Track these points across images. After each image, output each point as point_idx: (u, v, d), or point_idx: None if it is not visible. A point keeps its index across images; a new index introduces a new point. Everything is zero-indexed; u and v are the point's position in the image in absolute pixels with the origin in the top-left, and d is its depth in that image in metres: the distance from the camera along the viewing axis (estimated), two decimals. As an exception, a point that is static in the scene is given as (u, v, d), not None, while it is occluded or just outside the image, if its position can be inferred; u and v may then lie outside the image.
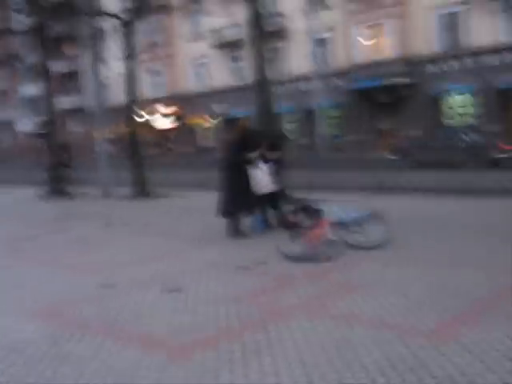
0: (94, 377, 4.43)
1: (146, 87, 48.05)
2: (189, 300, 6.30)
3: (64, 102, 55.48)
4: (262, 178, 10.06)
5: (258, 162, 10.09)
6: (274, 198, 10.55)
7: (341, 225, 8.59)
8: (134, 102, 19.11)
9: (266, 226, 10.62)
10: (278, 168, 10.65)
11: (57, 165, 20.73)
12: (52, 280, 7.66)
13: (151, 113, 46.54)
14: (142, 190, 18.31)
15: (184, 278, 7.28)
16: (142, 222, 12.59)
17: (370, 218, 10.27)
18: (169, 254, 8.84)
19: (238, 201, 9.78)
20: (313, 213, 10.30)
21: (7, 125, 63.82)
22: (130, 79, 18.84)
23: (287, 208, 10.41)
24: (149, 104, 45.73)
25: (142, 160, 18.75)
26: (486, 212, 11.35)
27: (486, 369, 4.14)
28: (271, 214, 10.79)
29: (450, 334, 4.82)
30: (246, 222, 10.22)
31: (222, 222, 10.12)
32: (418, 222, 10.41)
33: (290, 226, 10.33)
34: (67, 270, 8.26)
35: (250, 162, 9.94)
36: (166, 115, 46.95)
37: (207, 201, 10.09)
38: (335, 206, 9.50)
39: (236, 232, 9.86)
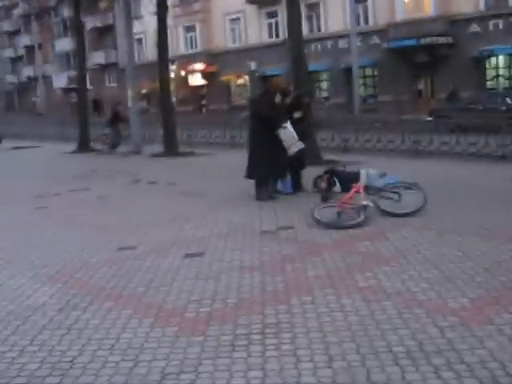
0: (99, 347, 4.18)
1: (181, 43, 47.58)
2: (212, 266, 6.00)
3: (100, 57, 55.51)
4: (288, 136, 9.59)
5: (284, 122, 9.62)
6: (301, 158, 10.15)
7: (375, 190, 8.19)
8: (166, 58, 18.70)
9: (296, 188, 10.25)
10: (303, 128, 10.23)
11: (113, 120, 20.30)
12: (70, 240, 7.42)
13: (185, 69, 46.05)
14: (172, 148, 18.06)
15: (208, 241, 6.98)
16: (170, 180, 12.31)
17: (406, 184, 9.87)
18: (194, 216, 8.55)
19: (267, 162, 9.39)
20: (347, 176, 9.94)
21: (43, 80, 64.06)
22: (162, 33, 18.40)
23: (320, 171, 10.04)
24: (183, 60, 45.26)
25: (173, 117, 18.43)
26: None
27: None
28: (300, 175, 10.42)
29: (483, 314, 4.43)
30: (276, 184, 9.86)
31: (251, 184, 9.77)
32: (454, 188, 9.93)
33: (323, 190, 10.00)
34: (87, 229, 8.04)
35: (277, 121, 9.51)
36: (199, 71, 46.37)
37: (238, 160, 9.76)
38: (371, 170, 9.11)
39: (264, 195, 9.50)
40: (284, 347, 4.03)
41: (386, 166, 11.50)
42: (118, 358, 4.01)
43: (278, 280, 5.47)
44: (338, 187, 9.90)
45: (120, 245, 7.03)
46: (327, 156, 14.32)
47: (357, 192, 7.95)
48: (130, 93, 19.70)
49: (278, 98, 9.62)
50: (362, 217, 7.47)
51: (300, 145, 9.70)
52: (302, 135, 10.15)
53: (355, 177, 9.82)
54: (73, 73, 47.01)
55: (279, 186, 10.00)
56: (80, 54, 22.01)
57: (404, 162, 13.81)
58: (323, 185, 10.03)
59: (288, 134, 9.52)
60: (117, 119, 19.86)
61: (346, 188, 9.50)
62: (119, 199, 10.36)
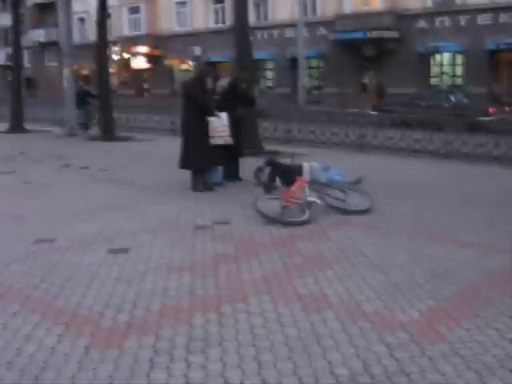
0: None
1: (125, 24, 46.21)
2: (137, 265, 5.39)
3: (40, 34, 53.33)
4: (216, 125, 9.02)
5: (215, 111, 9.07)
6: (238, 145, 9.65)
7: (320, 186, 7.73)
8: (105, 39, 17.80)
9: (233, 178, 9.72)
10: (240, 114, 9.76)
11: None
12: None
13: (129, 51, 44.77)
14: (109, 132, 17.24)
15: (136, 236, 6.36)
16: (102, 166, 11.56)
17: (351, 181, 9.46)
18: (123, 206, 7.89)
19: (203, 151, 8.81)
20: (289, 169, 9.46)
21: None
22: (102, 13, 17.54)
23: (261, 163, 9.53)
24: (126, 42, 43.99)
25: (110, 100, 17.58)
26: (470, 178, 10.61)
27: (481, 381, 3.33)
28: (238, 164, 9.90)
29: (434, 329, 3.99)
30: (213, 174, 9.28)
31: (188, 173, 9.17)
32: (400, 186, 9.59)
33: (264, 181, 9.51)
34: (2, 219, 7.29)
35: (209, 108, 8.95)
36: (143, 55, 45.15)
37: (178, 147, 9.11)
38: (315, 163, 8.65)
39: (200, 186, 8.92)
40: (210, 366, 3.49)
41: (329, 160, 11.07)
42: (16, 375, 3.40)
43: (210, 283, 4.93)
44: (280, 180, 9.46)
45: (37, 237, 6.33)
46: (269, 146, 13.83)
47: (301, 186, 7.45)
48: (65, 72, 18.70)
49: (209, 84, 9.09)
50: (307, 214, 6.98)
51: (227, 140, 9.14)
52: (239, 122, 9.68)
53: (298, 170, 9.38)
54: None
55: (213, 175, 9.38)
56: (15, 30, 20.83)
57: (348, 155, 13.45)
58: (264, 176, 9.54)
59: (218, 122, 8.98)
60: (84, 99, 18.85)
61: (286, 181, 9.05)
62: (45, 185, 9.56)
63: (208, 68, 9.82)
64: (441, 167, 11.99)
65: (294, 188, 7.38)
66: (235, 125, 9.50)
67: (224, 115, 9.04)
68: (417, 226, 6.84)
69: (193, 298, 4.62)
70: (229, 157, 9.47)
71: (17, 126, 19.78)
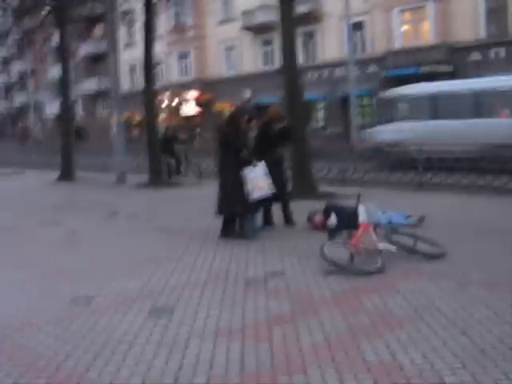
0: None
1: (174, 71, 46.74)
2: (181, 328, 4.79)
3: (92, 84, 54.57)
4: (254, 178, 8.34)
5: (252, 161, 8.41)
6: (283, 187, 9.18)
7: (386, 230, 7.02)
8: (152, 85, 17.64)
9: (269, 225, 9.15)
10: (277, 167, 9.14)
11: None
12: (17, 288, 6.24)
13: (178, 97, 45.13)
14: (158, 178, 16.92)
15: (181, 293, 5.76)
16: (150, 214, 11.12)
17: (414, 220, 8.73)
18: (169, 258, 7.31)
19: (234, 199, 8.24)
20: (345, 212, 8.79)
21: (37, 107, 63.16)
22: (148, 62, 17.45)
23: (315, 205, 8.92)
24: (176, 88, 44.36)
25: (158, 146, 17.32)
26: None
27: None
28: (288, 207, 9.30)
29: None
30: (246, 223, 8.56)
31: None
32: (466, 226, 8.74)
33: (319, 225, 8.87)
34: (41, 274, 6.81)
35: (244, 160, 8.35)
36: (193, 100, 45.42)
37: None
38: (371, 205, 7.95)
39: (232, 233, 8.37)
40: None
41: (387, 199, 10.41)
42: None
43: (263, 350, 4.26)
44: (333, 222, 8.80)
45: (75, 294, 5.81)
46: (324, 188, 13.14)
47: (365, 231, 6.75)
48: (114, 119, 18.59)
49: (243, 124, 8.54)
50: (380, 262, 6.28)
51: (268, 192, 8.48)
52: (279, 163, 9.20)
53: (353, 213, 8.71)
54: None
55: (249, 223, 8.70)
56: (65, 81, 20.98)
57: (406, 194, 12.60)
58: (319, 219, 8.89)
59: (254, 174, 8.34)
60: (169, 145, 18.69)
61: (342, 225, 8.40)
62: (89, 236, 9.12)
63: (242, 107, 9.21)
64: (502, 204, 11.06)
65: (358, 233, 6.68)
66: (276, 167, 8.97)
67: (261, 164, 8.46)
68: (496, 275, 6.02)
69: (244, 369, 3.97)
70: (269, 200, 8.95)
71: (67, 174, 19.72)
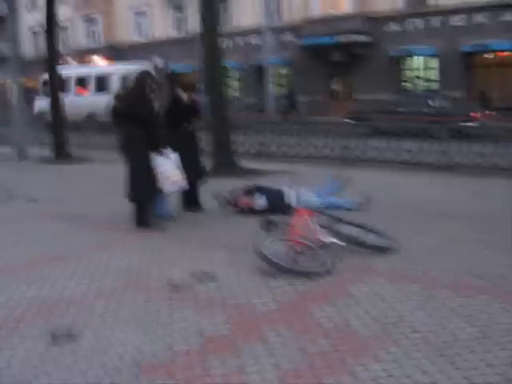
0: None
1: (82, 36, 44.26)
2: (89, 367, 3.68)
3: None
4: (166, 172, 7.27)
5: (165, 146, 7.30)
6: (195, 165, 8.12)
7: (327, 218, 6.09)
8: (54, 51, 15.96)
9: (193, 207, 8.14)
10: (190, 143, 8.11)
11: None
12: None
13: (84, 62, 42.71)
14: (62, 153, 15.38)
15: (87, 308, 4.63)
16: (52, 197, 9.74)
17: (358, 202, 7.88)
18: (69, 255, 6.06)
19: (143, 182, 7.10)
20: (277, 196, 7.87)
21: None
22: (50, 26, 15.76)
23: (236, 184, 7.96)
24: (83, 54, 41.94)
25: (61, 115, 15.72)
26: (483, 194, 9.12)
27: None
28: (197, 189, 8.27)
29: None
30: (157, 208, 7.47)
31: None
32: (410, 207, 8.05)
33: (243, 210, 7.93)
34: None
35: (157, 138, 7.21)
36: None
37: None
38: (302, 189, 7.06)
39: (147, 222, 7.20)
40: None
41: (315, 176, 9.50)
42: None
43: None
44: (262, 204, 7.87)
45: None
46: (243, 163, 12.13)
47: (301, 218, 5.77)
48: (13, 88, 16.74)
49: (151, 93, 7.17)
50: (328, 261, 5.33)
51: (182, 185, 7.49)
52: (192, 139, 8.16)
53: (281, 195, 7.80)
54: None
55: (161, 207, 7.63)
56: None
57: (334, 171, 11.76)
58: (242, 201, 7.93)
59: (166, 167, 7.24)
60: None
61: (274, 207, 7.50)
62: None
63: (147, 76, 7.66)
64: (444, 182, 10.49)
65: (293, 222, 5.70)
66: (188, 143, 7.96)
67: (173, 156, 7.37)
68: (462, 273, 5.22)
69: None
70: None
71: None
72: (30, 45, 44.76)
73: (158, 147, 7.12)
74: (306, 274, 5.16)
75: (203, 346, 3.86)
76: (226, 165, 11.69)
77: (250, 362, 3.63)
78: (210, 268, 5.51)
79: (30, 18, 42.20)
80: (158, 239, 6.64)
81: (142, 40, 40.33)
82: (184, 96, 7.96)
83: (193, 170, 7.91)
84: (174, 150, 7.45)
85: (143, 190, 7.07)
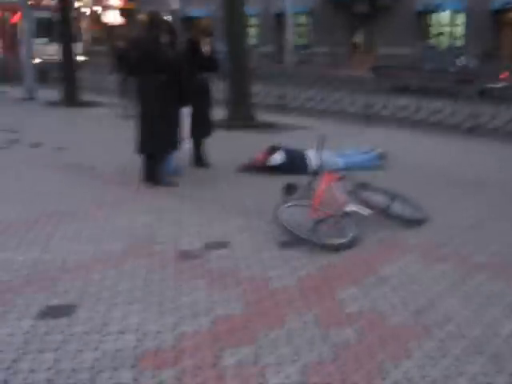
0: None
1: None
2: (84, 349, 3.26)
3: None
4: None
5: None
6: (204, 121, 7.58)
7: (356, 185, 5.58)
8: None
9: (197, 164, 7.66)
10: (203, 95, 7.55)
11: None
12: None
13: (100, 4, 41.71)
14: (72, 96, 14.82)
15: (87, 276, 4.19)
16: (59, 141, 9.25)
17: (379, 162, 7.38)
18: (74, 213, 5.63)
19: (159, 134, 6.57)
20: (296, 155, 7.39)
21: None
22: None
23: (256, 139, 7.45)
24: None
25: (72, 57, 15.08)
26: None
27: None
28: (201, 145, 7.77)
29: None
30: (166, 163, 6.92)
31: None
32: (436, 172, 7.49)
33: (257, 168, 7.46)
34: None
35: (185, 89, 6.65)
36: (116, 8, 42.10)
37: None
38: (330, 153, 6.59)
39: (158, 178, 6.71)
40: None
41: (337, 134, 9.01)
42: None
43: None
44: (279, 159, 7.38)
45: None
46: (262, 116, 11.57)
47: (329, 184, 5.28)
48: (23, 24, 16.07)
49: (165, 38, 6.55)
50: (352, 232, 4.85)
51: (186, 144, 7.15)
52: (205, 92, 7.53)
53: (301, 158, 7.35)
54: None
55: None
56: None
57: (355, 128, 11.19)
58: (257, 158, 7.45)
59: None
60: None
61: (289, 166, 7.14)
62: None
63: (160, 18, 6.93)
64: (471, 146, 9.88)
65: (321, 187, 5.20)
66: (201, 96, 7.38)
67: (186, 110, 6.93)
68: (503, 252, 4.72)
69: None
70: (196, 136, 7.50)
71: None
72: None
73: (185, 99, 6.61)
74: (327, 246, 4.68)
75: (213, 327, 3.41)
76: (244, 118, 11.14)
77: (265, 350, 3.18)
78: (223, 233, 5.05)
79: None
80: (168, 198, 6.16)
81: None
82: (206, 47, 7.32)
83: (203, 124, 7.42)
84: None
85: (156, 143, 6.55)
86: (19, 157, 8.26)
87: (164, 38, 6.50)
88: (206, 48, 7.29)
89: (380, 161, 7.67)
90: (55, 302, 3.71)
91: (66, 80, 14.92)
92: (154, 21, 6.63)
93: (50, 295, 3.79)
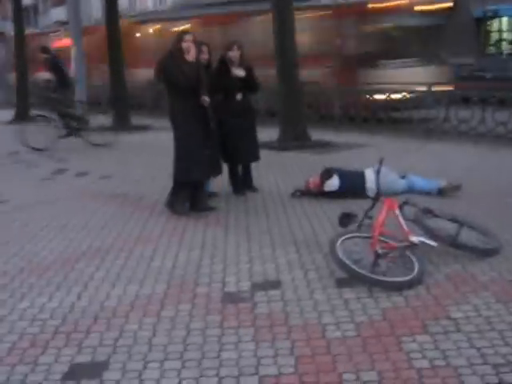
0: None
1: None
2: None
3: (61, 13, 51.00)
4: None
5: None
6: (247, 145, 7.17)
7: (420, 212, 5.02)
8: (116, 13, 15.16)
9: (240, 188, 7.23)
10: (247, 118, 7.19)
11: None
12: None
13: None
14: (123, 120, 14.67)
15: (123, 326, 3.81)
16: (106, 170, 9.04)
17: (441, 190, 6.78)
18: (116, 249, 5.32)
19: (192, 158, 6.23)
20: (352, 178, 6.90)
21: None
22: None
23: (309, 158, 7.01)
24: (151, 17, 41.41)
25: (123, 81, 14.96)
26: None
27: None
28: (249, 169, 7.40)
29: None
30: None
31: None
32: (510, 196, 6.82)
33: (310, 192, 7.00)
34: None
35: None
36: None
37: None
38: (386, 169, 6.06)
39: (180, 205, 6.37)
40: None
41: (396, 152, 8.44)
42: None
43: None
44: (335, 184, 6.89)
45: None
46: (316, 134, 11.07)
47: (390, 211, 4.76)
48: (73, 52, 16.07)
49: (191, 54, 6.12)
50: (416, 268, 4.30)
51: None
52: (246, 112, 7.11)
53: (359, 180, 6.84)
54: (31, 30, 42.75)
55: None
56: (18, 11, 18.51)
57: (414, 145, 10.51)
58: (313, 183, 6.98)
59: None
60: None
61: (347, 190, 6.70)
62: (17, 208, 7.04)
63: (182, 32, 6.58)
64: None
65: (382, 215, 4.68)
66: (243, 117, 6.97)
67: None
68: None
69: None
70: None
71: (23, 114, 17.37)
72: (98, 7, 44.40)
73: (206, 121, 6.22)
74: (391, 285, 4.16)
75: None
76: (297, 137, 10.70)
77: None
78: (273, 270, 4.60)
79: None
80: (212, 230, 5.75)
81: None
82: (238, 72, 6.93)
83: (249, 147, 7.03)
84: (224, 125, 6.74)
85: (185, 171, 6.21)
86: (62, 188, 8.04)
87: (190, 57, 6.11)
88: (234, 69, 6.89)
89: (441, 194, 6.89)
90: (83, 359, 3.32)
91: (116, 103, 14.82)
92: (178, 37, 6.23)
93: (78, 351, 3.41)
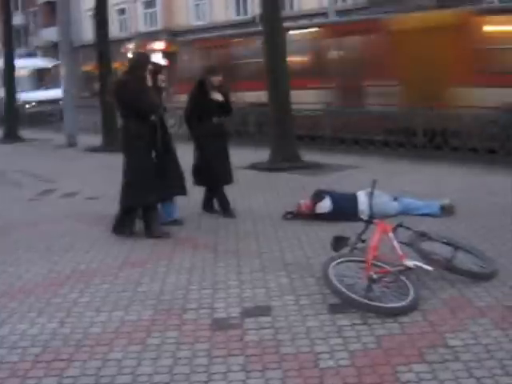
0: None
1: (140, 20, 43.76)
2: None
3: (51, 33, 51.01)
4: None
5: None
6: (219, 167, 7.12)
7: (414, 235, 4.91)
8: (106, 36, 15.08)
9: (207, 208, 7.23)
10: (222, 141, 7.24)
11: None
12: None
13: (144, 48, 42.22)
14: (112, 141, 14.51)
15: (105, 361, 3.65)
16: (94, 191, 8.89)
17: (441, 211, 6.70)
18: (102, 273, 5.17)
19: (146, 181, 6.25)
20: (344, 201, 6.80)
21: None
22: (101, 9, 14.89)
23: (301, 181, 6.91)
24: (140, 38, 41.53)
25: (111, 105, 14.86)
26: None
27: None
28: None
29: None
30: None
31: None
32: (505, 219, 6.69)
33: (302, 215, 6.89)
34: None
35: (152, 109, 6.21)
36: (159, 51, 42.50)
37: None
38: (380, 193, 5.97)
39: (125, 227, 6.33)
40: None
41: (388, 174, 8.36)
42: None
43: None
44: (327, 206, 6.76)
45: None
46: (307, 156, 10.95)
47: (383, 234, 4.64)
48: (62, 72, 15.99)
49: (148, 79, 6.16)
50: (411, 293, 4.17)
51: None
52: (222, 136, 7.15)
53: (351, 202, 6.74)
54: (23, 50, 42.73)
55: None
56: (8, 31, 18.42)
57: (406, 167, 10.35)
58: (305, 205, 6.85)
59: None
60: None
61: (339, 213, 6.49)
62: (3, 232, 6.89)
63: (145, 56, 6.60)
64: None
65: (375, 238, 4.55)
66: (216, 140, 6.94)
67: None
68: None
69: None
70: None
71: (12, 135, 17.25)
72: (89, 29, 44.52)
73: (162, 145, 6.27)
74: (385, 310, 4.02)
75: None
76: (288, 158, 10.58)
77: None
78: (263, 295, 4.46)
79: (89, 1, 41.87)
80: (200, 254, 5.61)
81: (202, 23, 39.40)
82: (217, 96, 6.90)
83: (221, 171, 6.94)
84: (199, 147, 6.96)
85: (134, 195, 6.16)
86: (48, 210, 7.86)
87: (151, 81, 6.18)
88: (214, 93, 6.86)
89: (442, 213, 6.78)
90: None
91: (106, 124, 14.70)
92: (140, 61, 6.31)
93: (59, 381, 3.25)
